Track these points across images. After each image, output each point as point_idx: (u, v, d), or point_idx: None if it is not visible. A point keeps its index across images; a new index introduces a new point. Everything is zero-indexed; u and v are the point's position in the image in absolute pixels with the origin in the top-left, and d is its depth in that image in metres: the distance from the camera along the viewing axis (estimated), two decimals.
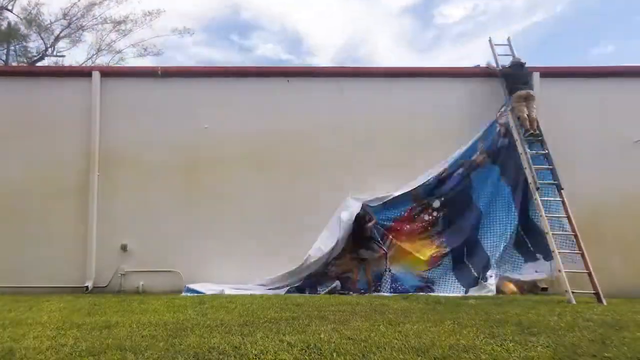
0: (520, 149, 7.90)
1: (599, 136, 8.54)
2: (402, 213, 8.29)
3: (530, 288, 7.91)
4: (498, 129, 8.41)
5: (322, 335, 3.96)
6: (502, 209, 8.24)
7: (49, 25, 21.25)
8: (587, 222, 8.21)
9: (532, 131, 7.95)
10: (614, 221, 8.30)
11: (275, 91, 8.76)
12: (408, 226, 8.25)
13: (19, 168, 8.48)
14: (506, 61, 8.73)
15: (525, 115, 7.96)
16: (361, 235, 8.04)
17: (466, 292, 7.76)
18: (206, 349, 3.61)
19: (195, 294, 7.35)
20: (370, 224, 8.06)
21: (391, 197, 8.23)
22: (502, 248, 8.00)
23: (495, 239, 8.10)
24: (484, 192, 8.33)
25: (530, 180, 7.66)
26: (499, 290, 7.59)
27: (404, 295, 7.36)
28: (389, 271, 8.06)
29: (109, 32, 22.26)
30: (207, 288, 7.69)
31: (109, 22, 21.93)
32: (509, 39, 9.05)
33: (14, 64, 20.78)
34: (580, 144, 8.51)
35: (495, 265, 7.91)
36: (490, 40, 9.02)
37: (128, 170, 8.49)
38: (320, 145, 8.58)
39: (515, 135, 8.03)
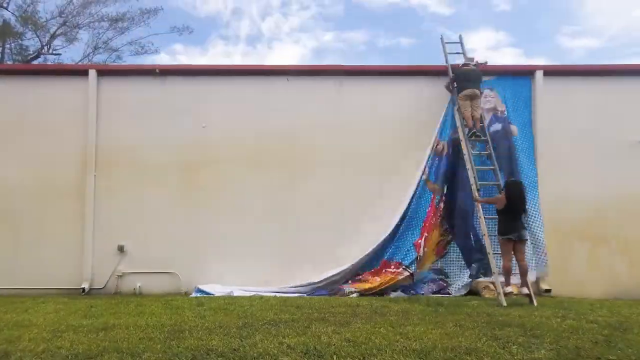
0: (464, 150, 7.82)
1: (601, 136, 8.53)
2: (428, 207, 8.19)
3: (535, 290, 7.91)
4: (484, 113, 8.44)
5: (322, 338, 3.96)
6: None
7: (45, 23, 21.24)
8: (590, 222, 8.27)
9: (474, 130, 7.96)
10: (618, 222, 8.30)
11: (275, 90, 8.76)
12: (434, 218, 8.14)
13: (13, 168, 8.48)
14: (458, 59, 8.70)
15: (469, 114, 7.94)
16: None
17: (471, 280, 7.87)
18: (204, 351, 3.61)
19: (204, 295, 7.41)
20: None
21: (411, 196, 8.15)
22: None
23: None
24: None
25: (471, 181, 7.59)
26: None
27: (405, 297, 7.38)
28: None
29: (105, 30, 22.23)
30: (217, 290, 7.68)
31: (105, 19, 21.89)
32: (460, 37, 8.99)
33: (9, 62, 20.77)
34: (583, 143, 8.51)
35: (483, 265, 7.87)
36: (441, 38, 8.95)
37: (125, 170, 8.49)
38: (320, 145, 8.57)
39: (460, 135, 7.96)
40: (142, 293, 8.05)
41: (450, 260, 8.14)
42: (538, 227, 8.08)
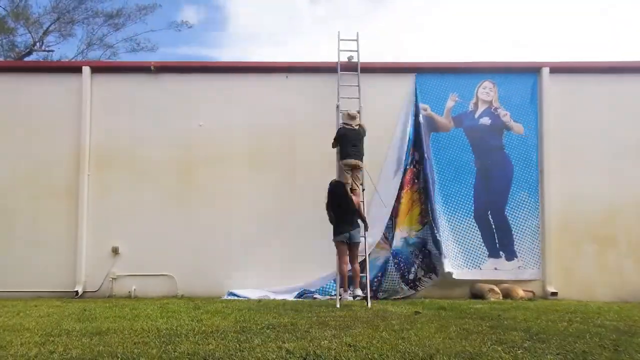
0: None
1: (611, 134, 8.52)
2: (407, 166, 8.39)
3: (540, 293, 7.94)
4: (471, 108, 8.63)
5: (322, 342, 3.96)
6: (464, 187, 8.41)
7: (38, 19, 21.25)
8: (598, 223, 8.27)
9: None
10: (627, 223, 8.30)
11: (273, 87, 8.76)
12: (415, 179, 8.39)
13: (5, 167, 8.49)
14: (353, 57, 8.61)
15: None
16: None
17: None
18: (201, 356, 3.61)
19: (237, 298, 7.46)
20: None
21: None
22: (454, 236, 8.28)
23: (449, 224, 8.30)
24: (444, 160, 8.46)
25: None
26: (506, 295, 7.59)
27: (409, 300, 7.38)
28: (392, 251, 8.13)
29: (100, 26, 22.23)
30: (252, 293, 7.71)
31: (100, 15, 21.88)
32: (357, 34, 8.77)
33: (1, 59, 20.76)
34: (593, 142, 8.49)
35: (446, 253, 8.10)
36: (338, 34, 8.79)
37: (120, 169, 8.50)
38: (319, 142, 8.53)
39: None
40: (137, 296, 8.05)
41: (429, 233, 8.27)
42: (534, 229, 8.18)
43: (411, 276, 8.12)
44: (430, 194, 8.23)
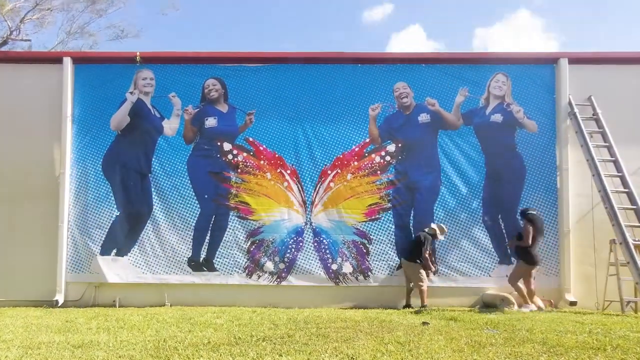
0: None
1: (637, 132, 8.47)
2: (353, 147, 8.48)
3: (556, 302, 7.94)
4: (482, 104, 8.61)
5: (322, 356, 3.97)
6: (471, 189, 8.41)
7: (14, 6, 21.22)
8: None
9: None
10: None
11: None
12: (356, 163, 8.46)
13: None
14: None
15: None
16: None
17: (398, 267, 8.17)
18: None
19: None
20: None
21: None
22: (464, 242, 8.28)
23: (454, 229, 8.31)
24: (452, 159, 8.46)
25: None
26: (521, 305, 7.59)
27: (416, 309, 7.39)
28: (310, 224, 8.27)
29: (81, 12, 22.20)
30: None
31: (80, 1, 21.85)
32: None
33: None
34: (616, 140, 8.43)
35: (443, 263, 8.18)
36: None
37: None
38: None
39: None
40: (122, 306, 8.03)
41: (381, 229, 8.32)
42: (552, 234, 8.19)
43: (334, 266, 8.19)
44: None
